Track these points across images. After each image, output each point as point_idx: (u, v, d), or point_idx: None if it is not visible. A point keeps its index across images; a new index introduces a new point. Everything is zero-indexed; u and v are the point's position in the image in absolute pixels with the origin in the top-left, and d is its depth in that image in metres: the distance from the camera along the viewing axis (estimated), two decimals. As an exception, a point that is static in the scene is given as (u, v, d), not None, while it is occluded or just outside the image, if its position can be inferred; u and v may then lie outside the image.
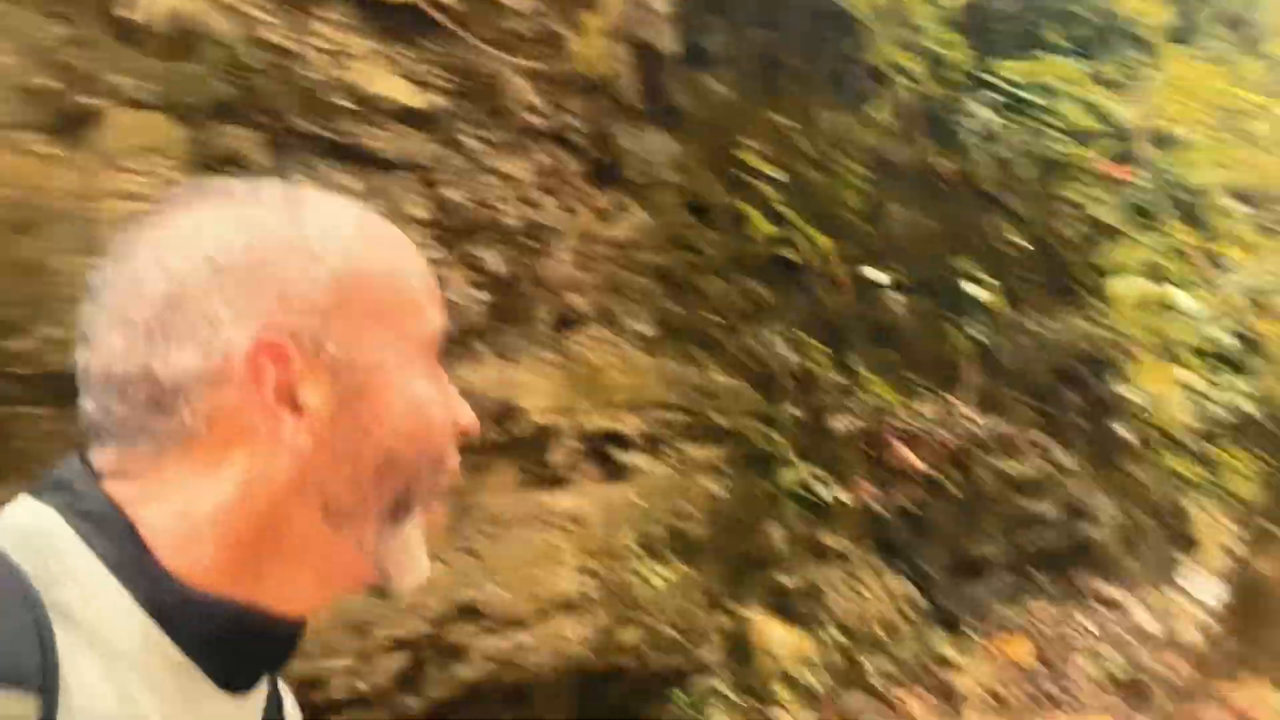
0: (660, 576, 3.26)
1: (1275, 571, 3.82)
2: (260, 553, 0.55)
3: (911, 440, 5.56)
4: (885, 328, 5.94)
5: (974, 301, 5.50)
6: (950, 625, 5.11)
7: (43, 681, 0.45)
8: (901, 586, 4.99)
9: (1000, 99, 5.87)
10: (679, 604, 3.55)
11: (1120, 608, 5.49)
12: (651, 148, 4.34)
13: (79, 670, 0.47)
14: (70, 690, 0.46)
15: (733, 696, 3.48)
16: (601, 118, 3.88)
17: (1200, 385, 4.14)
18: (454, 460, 0.62)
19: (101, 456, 0.55)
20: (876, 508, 4.98)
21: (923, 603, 5.03)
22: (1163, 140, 5.85)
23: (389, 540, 0.59)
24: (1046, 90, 5.92)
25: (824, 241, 4.80)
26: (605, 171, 3.89)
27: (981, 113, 5.76)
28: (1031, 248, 6.15)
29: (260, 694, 0.61)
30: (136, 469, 0.54)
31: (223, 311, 0.53)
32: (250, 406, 0.54)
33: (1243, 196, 6.19)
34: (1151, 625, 5.20)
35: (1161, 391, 4.09)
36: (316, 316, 0.55)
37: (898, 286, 5.92)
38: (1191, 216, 5.93)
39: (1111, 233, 5.91)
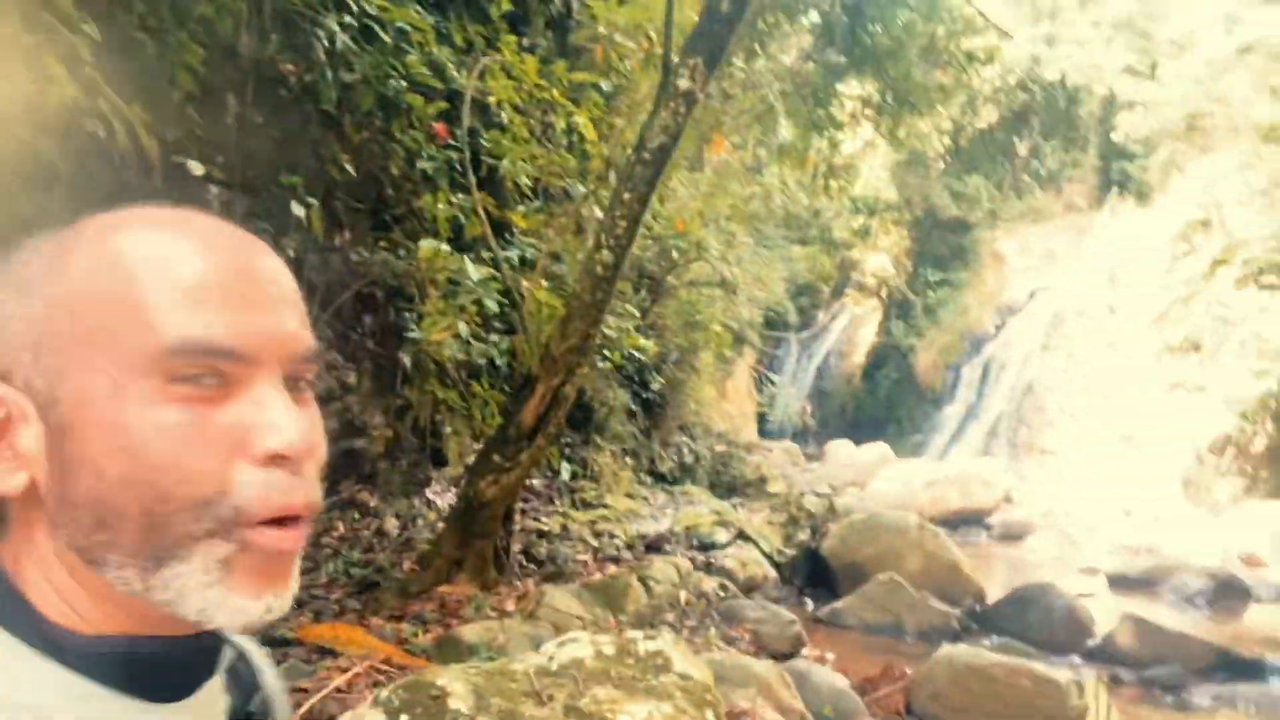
0: None
1: (491, 491, 4.77)
2: (88, 591, 0.54)
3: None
4: (197, 223, 5.58)
5: (295, 217, 5.52)
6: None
7: None
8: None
9: (356, 25, 5.94)
10: None
11: (374, 514, 6.21)
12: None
13: None
14: None
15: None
16: None
17: (469, 333, 4.90)
18: (247, 491, 0.53)
19: None
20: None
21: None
22: (484, 113, 6.64)
23: (163, 582, 0.52)
24: (401, 32, 6.19)
25: (139, 117, 4.29)
26: None
27: (337, 32, 5.75)
28: (358, 178, 6.43)
29: (213, 685, 0.59)
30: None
31: None
32: None
33: (536, 181, 7.41)
34: (394, 530, 6.01)
35: (442, 336, 4.72)
36: (28, 352, 0.52)
37: (218, 183, 5.63)
38: (493, 186, 6.88)
39: (430, 184, 6.52)
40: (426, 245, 4.15)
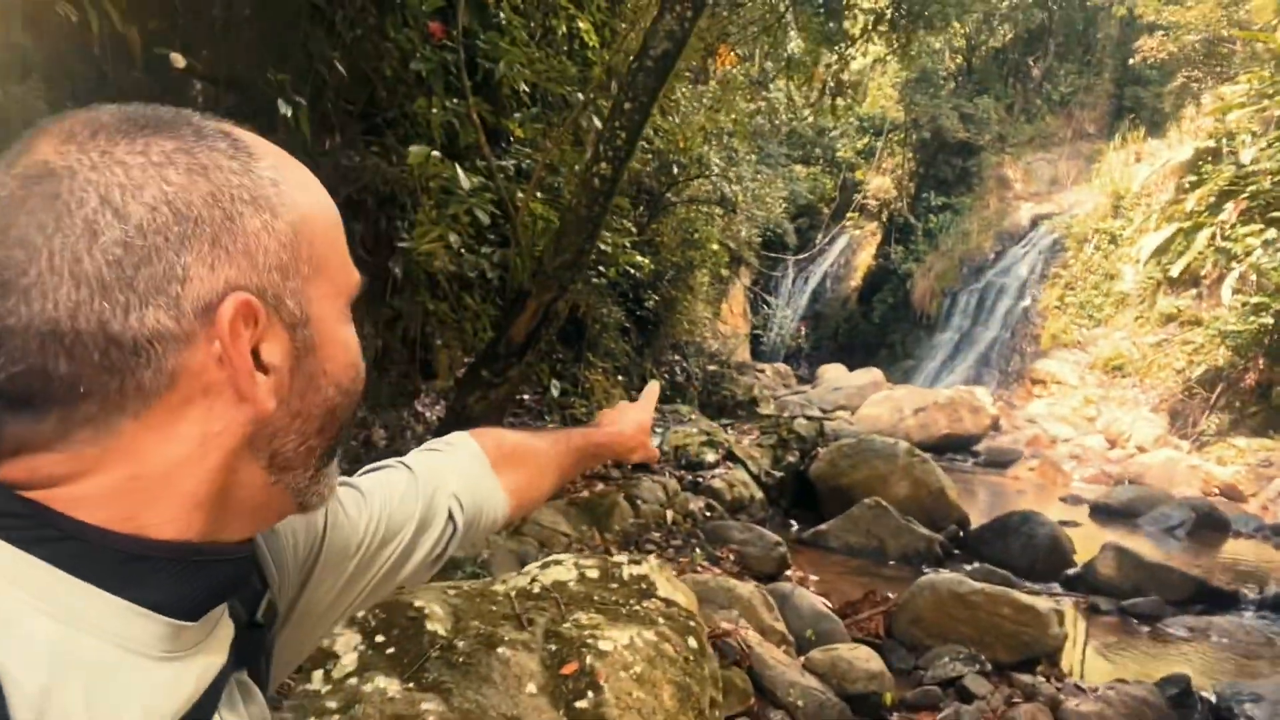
0: None
1: (479, 407, 4.72)
2: (206, 507, 0.54)
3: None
4: (179, 120, 5.37)
5: (282, 116, 5.32)
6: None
7: None
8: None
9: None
10: None
11: (362, 425, 6.17)
12: None
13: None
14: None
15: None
16: None
17: (459, 244, 4.77)
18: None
19: (24, 428, 0.50)
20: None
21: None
22: (482, 13, 6.36)
23: (318, 480, 0.60)
24: (393, -78, 5.86)
25: (116, 2, 4.07)
26: None
27: (326, -80, 5.44)
28: (349, 78, 6.18)
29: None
30: (76, 435, 0.50)
31: (193, 267, 0.50)
32: (217, 365, 0.51)
33: (534, 87, 7.16)
34: (382, 442, 5.98)
35: (433, 247, 4.59)
36: (277, 273, 0.54)
37: (202, 78, 5.39)
38: (489, 91, 6.63)
39: (424, 87, 6.27)
40: (416, 150, 3.98)
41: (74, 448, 0.50)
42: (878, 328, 25.04)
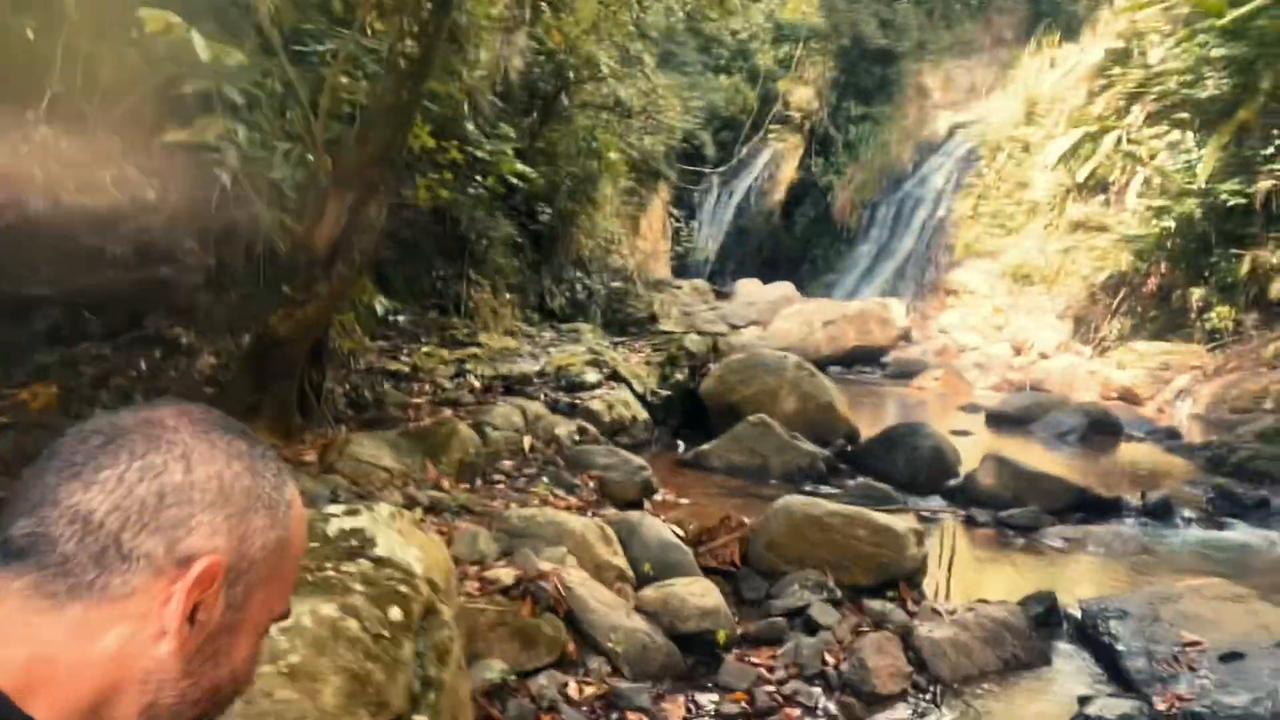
0: None
1: (284, 328, 4.15)
2: (80, 715, 0.59)
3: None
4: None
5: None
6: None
7: None
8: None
9: None
10: None
11: (185, 352, 5.53)
12: None
13: None
14: None
15: None
16: None
17: (247, 139, 4.12)
18: None
19: (6, 576, 0.60)
20: None
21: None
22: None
23: None
24: None
25: None
26: None
27: None
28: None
29: None
30: (34, 603, 0.59)
31: (202, 526, 0.63)
32: (163, 601, 0.61)
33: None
34: (209, 370, 5.37)
35: (180, 136, 3.90)
36: (247, 562, 0.65)
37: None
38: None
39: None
40: (151, 14, 3.25)
41: (25, 614, 0.59)
42: (800, 241, 24.72)
